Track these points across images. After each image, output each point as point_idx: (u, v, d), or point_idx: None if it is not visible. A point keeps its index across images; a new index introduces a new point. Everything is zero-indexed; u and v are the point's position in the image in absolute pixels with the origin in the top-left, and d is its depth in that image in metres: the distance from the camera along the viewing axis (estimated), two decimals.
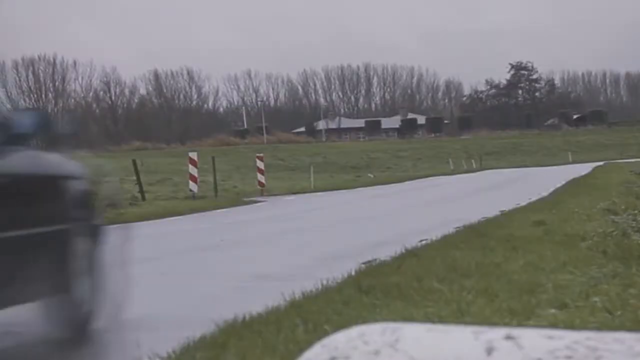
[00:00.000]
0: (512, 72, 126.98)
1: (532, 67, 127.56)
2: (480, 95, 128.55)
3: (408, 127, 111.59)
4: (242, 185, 36.89)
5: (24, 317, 6.32)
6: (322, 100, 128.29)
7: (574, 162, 63.90)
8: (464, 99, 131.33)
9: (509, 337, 0.96)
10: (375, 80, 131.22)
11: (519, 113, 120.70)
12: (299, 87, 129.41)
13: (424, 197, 26.60)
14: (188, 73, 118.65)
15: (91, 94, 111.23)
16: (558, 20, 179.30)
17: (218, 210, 22.36)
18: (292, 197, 29.76)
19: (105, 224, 6.86)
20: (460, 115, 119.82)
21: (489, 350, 0.95)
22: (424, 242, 10.79)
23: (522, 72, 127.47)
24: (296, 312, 6.15)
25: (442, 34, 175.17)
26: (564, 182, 28.15)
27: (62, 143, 6.57)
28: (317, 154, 74.18)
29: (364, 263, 9.00)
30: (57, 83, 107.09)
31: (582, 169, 41.61)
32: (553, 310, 5.87)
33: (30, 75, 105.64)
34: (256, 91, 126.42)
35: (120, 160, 36.59)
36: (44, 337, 6.19)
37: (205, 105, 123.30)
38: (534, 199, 20.00)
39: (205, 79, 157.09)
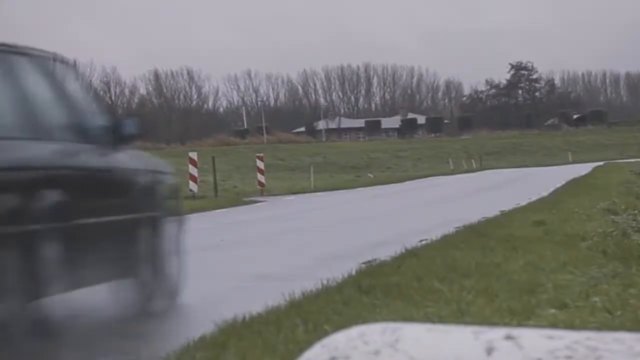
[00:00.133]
0: (512, 72, 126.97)
1: (532, 67, 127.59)
2: (480, 95, 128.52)
3: (408, 127, 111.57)
4: (242, 185, 36.90)
5: (101, 296, 7.05)
6: (322, 100, 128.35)
7: (574, 162, 63.86)
8: (464, 99, 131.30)
9: (509, 337, 0.96)
10: (375, 80, 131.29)
11: (519, 113, 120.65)
12: (299, 87, 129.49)
13: (424, 197, 26.60)
14: (188, 73, 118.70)
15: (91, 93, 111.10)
16: (558, 20, 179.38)
17: (218, 210, 22.36)
18: (292, 197, 29.76)
19: (169, 215, 7.70)
20: (460, 115, 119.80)
21: (489, 350, 0.95)
22: (424, 242, 10.79)
23: (522, 72, 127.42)
24: (296, 312, 6.16)
25: (442, 34, 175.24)
26: (564, 182, 28.14)
27: (128, 142, 7.44)
28: (317, 154, 74.18)
29: (364, 263, 9.00)
30: None
31: (582, 169, 41.60)
32: (553, 310, 5.87)
33: None
34: (256, 91, 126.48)
35: None
36: (117, 314, 6.95)
37: (205, 105, 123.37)
38: (534, 199, 20.00)
39: (205, 79, 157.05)
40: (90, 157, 6.76)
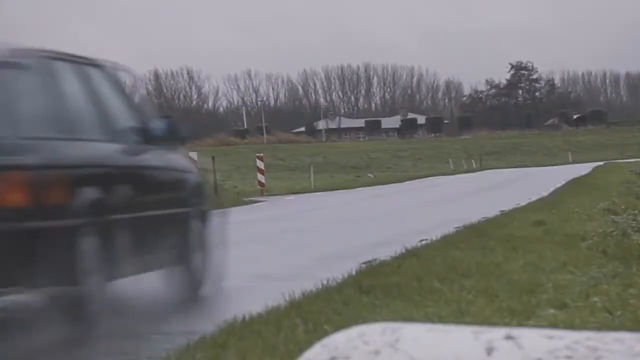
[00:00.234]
0: (512, 72, 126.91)
1: (532, 67, 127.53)
2: (480, 95, 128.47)
3: (408, 127, 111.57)
4: (242, 185, 36.88)
5: (155, 282, 7.85)
6: (322, 100, 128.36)
7: (574, 162, 63.83)
8: (464, 99, 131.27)
9: (509, 337, 0.96)
10: (375, 80, 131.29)
11: (519, 113, 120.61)
12: (299, 87, 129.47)
13: (424, 197, 26.60)
14: (188, 73, 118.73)
15: None
16: (558, 20, 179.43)
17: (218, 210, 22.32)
18: (292, 197, 29.76)
19: (211, 209, 8.61)
20: (460, 115, 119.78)
21: (489, 350, 0.95)
22: (424, 242, 10.78)
23: (522, 72, 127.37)
24: (296, 312, 6.15)
25: (442, 34, 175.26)
26: (564, 182, 28.13)
27: (182, 143, 8.49)
28: (317, 154, 74.17)
29: (364, 263, 8.99)
30: None
31: (582, 169, 41.58)
32: (553, 310, 5.87)
33: None
34: (256, 91, 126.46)
35: None
36: (169, 298, 7.76)
37: (205, 105, 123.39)
38: (534, 199, 19.99)
39: (205, 79, 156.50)
40: (151, 157, 7.66)
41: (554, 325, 5.24)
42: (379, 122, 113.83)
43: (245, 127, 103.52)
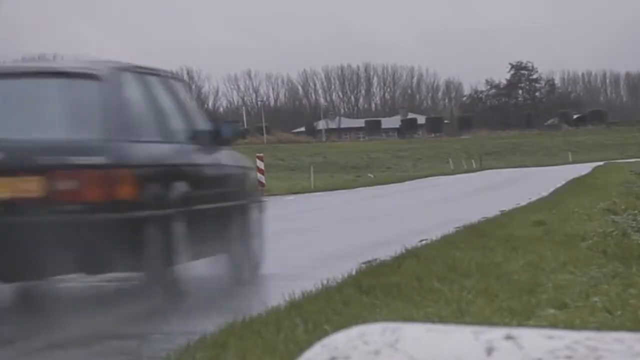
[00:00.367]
0: (512, 72, 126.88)
1: (532, 67, 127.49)
2: (480, 95, 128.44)
3: (408, 127, 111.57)
4: None
5: (215, 265, 8.71)
6: (322, 100, 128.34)
7: (574, 162, 63.82)
8: (464, 99, 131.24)
9: (509, 337, 0.96)
10: (375, 80, 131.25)
11: (519, 113, 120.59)
12: (299, 87, 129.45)
13: (424, 197, 26.60)
14: (188, 73, 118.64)
15: None
16: (558, 20, 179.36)
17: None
18: (292, 197, 29.74)
19: (255, 202, 9.52)
20: (460, 115, 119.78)
21: (489, 350, 0.95)
22: (424, 242, 10.78)
23: (522, 72, 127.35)
24: (296, 312, 6.15)
25: (442, 34, 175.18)
26: (564, 182, 28.13)
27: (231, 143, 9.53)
28: (317, 154, 74.19)
29: (364, 263, 8.99)
30: None
31: (582, 169, 41.58)
32: (553, 310, 5.87)
33: None
34: (256, 91, 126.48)
35: None
36: (228, 279, 8.72)
37: (205, 105, 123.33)
38: (534, 199, 19.99)
39: (205, 79, 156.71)
40: (204, 156, 8.57)
41: (554, 325, 5.24)
42: (379, 122, 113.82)
43: (245, 127, 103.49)
